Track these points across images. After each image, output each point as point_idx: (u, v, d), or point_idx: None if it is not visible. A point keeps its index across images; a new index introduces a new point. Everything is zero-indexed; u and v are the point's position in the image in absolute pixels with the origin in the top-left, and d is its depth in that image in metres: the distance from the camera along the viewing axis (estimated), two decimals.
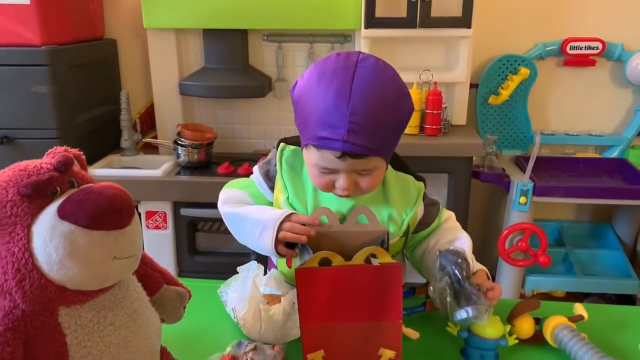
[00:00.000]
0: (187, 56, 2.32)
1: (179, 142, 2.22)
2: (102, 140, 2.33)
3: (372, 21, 2.10)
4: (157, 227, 2.14)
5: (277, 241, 0.92)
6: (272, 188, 1.08)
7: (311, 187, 1.04)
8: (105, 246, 0.62)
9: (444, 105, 2.15)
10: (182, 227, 2.17)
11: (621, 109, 2.48)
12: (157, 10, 2.15)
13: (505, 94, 2.36)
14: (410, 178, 1.08)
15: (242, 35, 2.26)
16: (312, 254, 0.87)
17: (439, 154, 2.10)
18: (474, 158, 2.19)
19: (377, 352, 0.87)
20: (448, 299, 0.92)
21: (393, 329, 0.85)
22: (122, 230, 0.64)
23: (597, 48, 2.35)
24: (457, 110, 2.28)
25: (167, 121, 2.34)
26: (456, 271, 0.92)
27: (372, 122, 0.86)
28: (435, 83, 2.14)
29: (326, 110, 0.86)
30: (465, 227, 2.07)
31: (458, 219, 1.18)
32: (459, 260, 0.93)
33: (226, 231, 2.17)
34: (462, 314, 0.91)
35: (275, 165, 1.06)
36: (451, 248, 0.97)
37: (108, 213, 0.62)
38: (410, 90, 2.07)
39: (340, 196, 0.98)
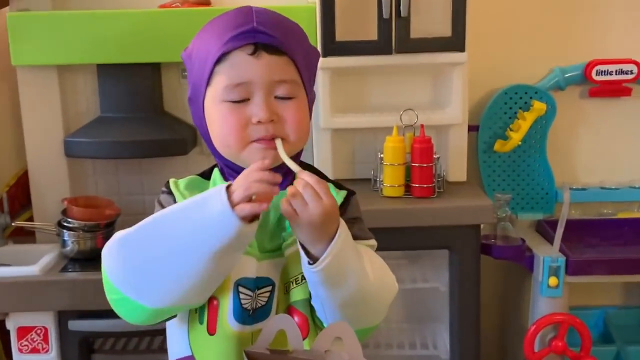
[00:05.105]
0: (76, 102, 2.04)
1: (65, 223, 1.89)
2: None
3: (332, 47, 1.87)
4: (34, 351, 1.81)
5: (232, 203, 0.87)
6: None
7: None
8: None
9: (435, 156, 1.89)
10: (71, 349, 1.86)
11: None
12: (31, 41, 1.88)
13: (516, 137, 2.07)
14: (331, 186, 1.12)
15: (153, 71, 2.01)
16: None
17: (433, 222, 1.85)
18: (481, 226, 1.92)
19: None
20: None
21: None
22: None
23: (631, 72, 2.11)
24: (454, 162, 2.03)
25: (48, 195, 2.00)
26: None
27: (280, 24, 0.95)
28: (422, 126, 1.88)
29: (228, 20, 0.93)
30: (476, 321, 1.96)
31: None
32: None
33: (136, 350, 1.96)
34: None
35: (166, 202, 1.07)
36: None
37: None
38: (388, 138, 2.00)
39: (263, 142, 0.95)
